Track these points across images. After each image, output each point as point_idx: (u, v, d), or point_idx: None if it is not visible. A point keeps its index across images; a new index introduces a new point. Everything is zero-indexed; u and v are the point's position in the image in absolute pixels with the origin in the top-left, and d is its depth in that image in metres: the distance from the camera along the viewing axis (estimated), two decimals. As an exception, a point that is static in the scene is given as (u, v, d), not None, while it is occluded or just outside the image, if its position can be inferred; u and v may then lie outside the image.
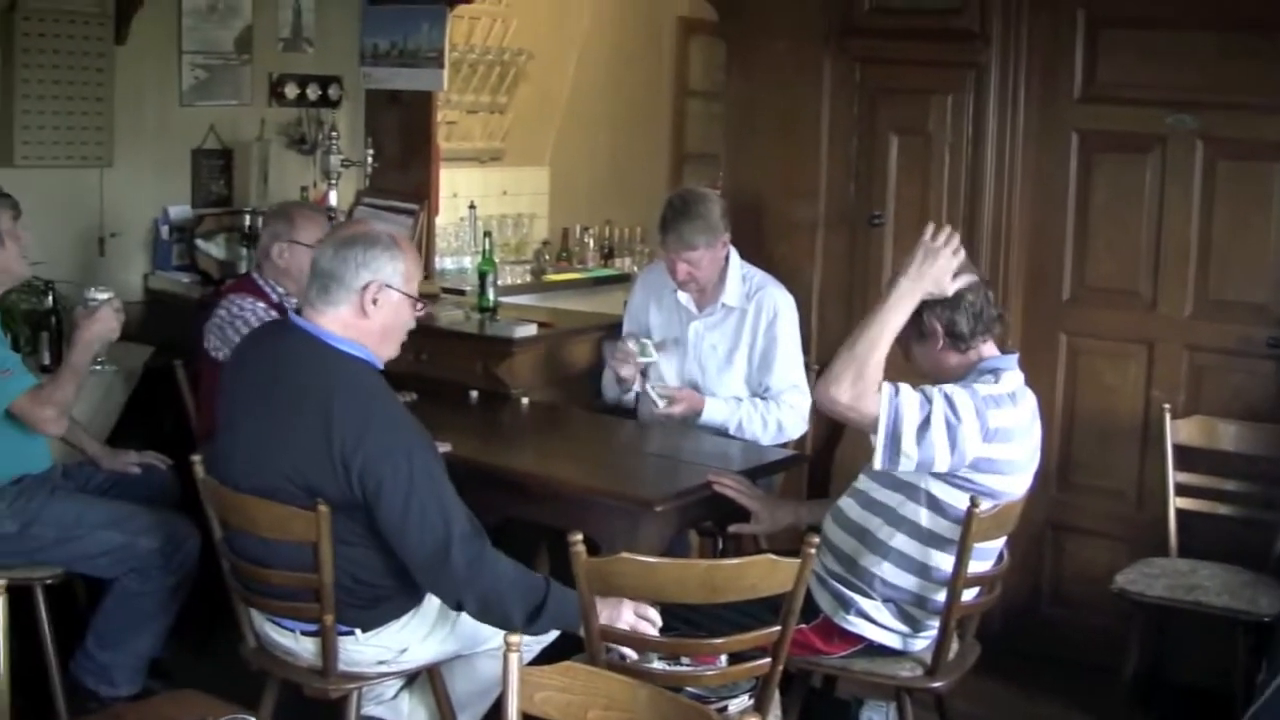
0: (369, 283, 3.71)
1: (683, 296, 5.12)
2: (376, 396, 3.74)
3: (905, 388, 3.71)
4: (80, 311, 4.63)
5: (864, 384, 3.70)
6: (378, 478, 3.59)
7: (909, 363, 3.97)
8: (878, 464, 3.72)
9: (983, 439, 3.70)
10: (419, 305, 3.88)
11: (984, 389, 3.75)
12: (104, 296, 4.64)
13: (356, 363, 3.74)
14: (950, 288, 3.80)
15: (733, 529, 4.38)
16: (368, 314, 3.73)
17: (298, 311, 3.87)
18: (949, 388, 3.73)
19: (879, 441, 3.69)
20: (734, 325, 5.08)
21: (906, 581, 3.90)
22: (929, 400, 3.69)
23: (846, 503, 4.02)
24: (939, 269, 3.79)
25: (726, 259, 5.08)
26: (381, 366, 3.85)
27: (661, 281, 5.20)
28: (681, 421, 4.97)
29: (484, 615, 3.71)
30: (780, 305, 5.08)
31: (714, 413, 4.93)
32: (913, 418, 3.67)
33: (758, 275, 5.15)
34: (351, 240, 3.75)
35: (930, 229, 3.82)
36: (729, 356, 5.08)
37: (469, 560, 3.64)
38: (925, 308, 3.83)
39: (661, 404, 4.94)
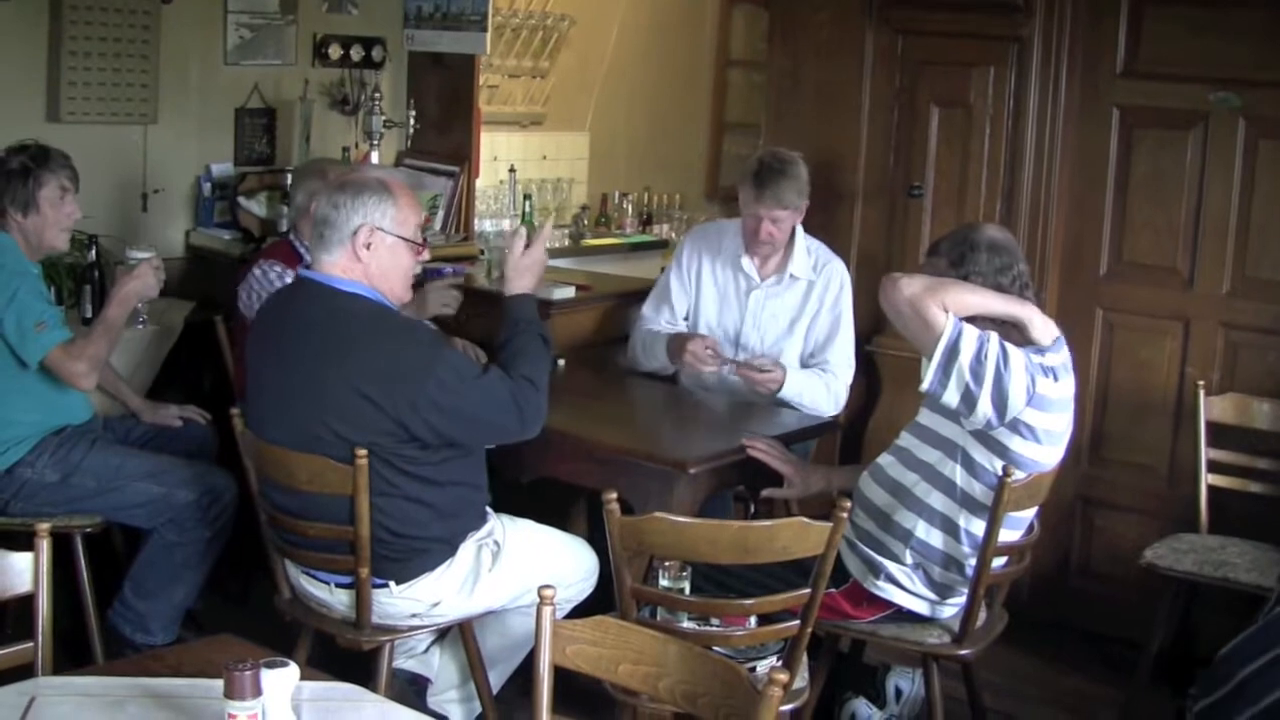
0: (359, 227, 3.77)
1: (745, 262, 5.09)
2: (391, 328, 3.82)
3: (963, 340, 3.71)
4: (121, 270, 4.67)
5: (934, 295, 3.72)
6: (435, 403, 3.68)
7: None
8: (926, 384, 3.73)
9: (1026, 400, 3.71)
10: (420, 249, 3.92)
11: (1036, 358, 3.76)
12: (144, 255, 4.68)
13: (365, 302, 3.80)
14: (1044, 339, 3.83)
15: (765, 493, 4.40)
16: (361, 258, 3.79)
17: (308, 266, 3.94)
18: (1006, 343, 3.75)
19: (935, 358, 3.70)
20: (800, 296, 5.07)
21: (938, 540, 3.92)
22: (987, 338, 3.71)
23: (887, 459, 4.04)
24: (1043, 322, 3.84)
25: (793, 228, 5.08)
26: (396, 308, 3.91)
27: (717, 245, 5.18)
28: (767, 395, 4.93)
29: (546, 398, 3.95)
30: (845, 280, 5.10)
31: (792, 385, 4.90)
32: (970, 344, 3.69)
33: (820, 247, 5.15)
34: (342, 187, 3.82)
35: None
36: (790, 326, 5.07)
37: (526, 400, 3.85)
38: (975, 274, 3.83)
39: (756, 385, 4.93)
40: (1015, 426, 3.76)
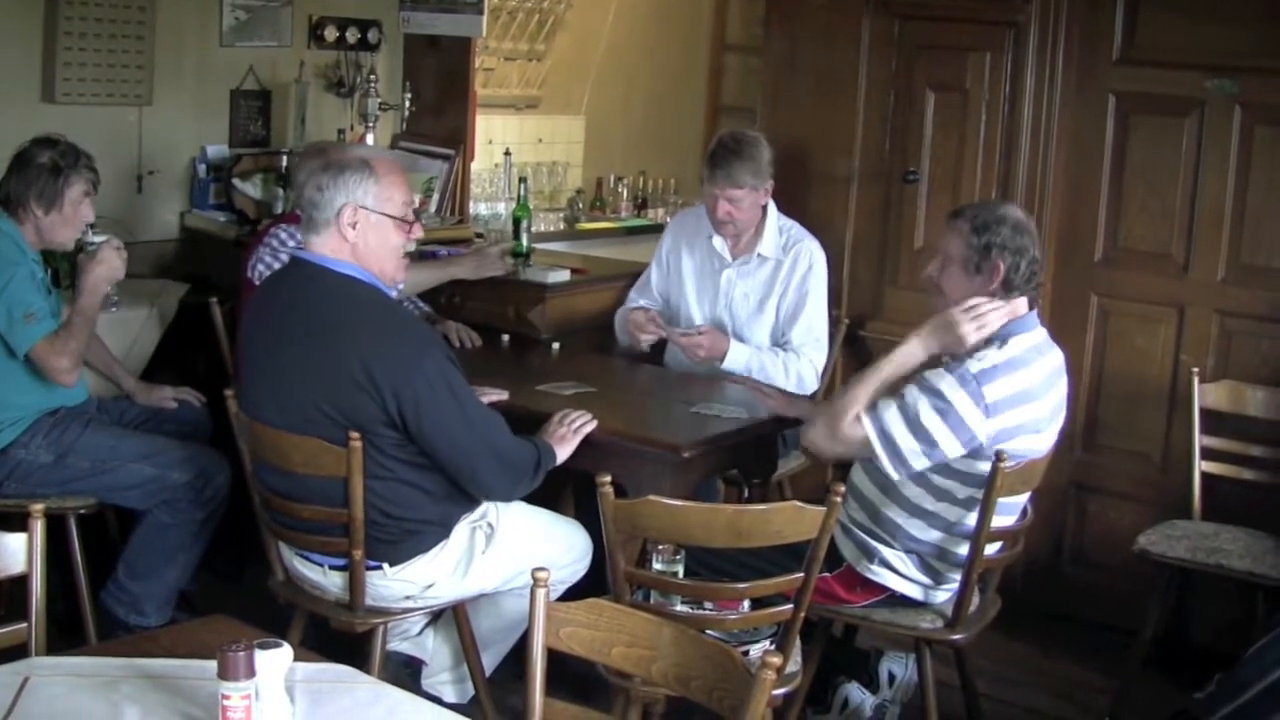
0: (343, 206, 3.75)
1: (717, 243, 5.13)
2: (384, 313, 3.81)
3: (880, 402, 3.79)
4: (82, 257, 4.65)
5: (841, 419, 3.82)
6: (413, 394, 3.67)
7: (936, 293, 3.97)
8: (894, 475, 3.81)
9: (985, 415, 3.72)
10: (409, 227, 3.88)
11: (975, 365, 3.76)
12: (100, 239, 4.65)
13: (359, 285, 3.79)
14: (964, 347, 3.85)
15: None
16: (348, 238, 3.77)
17: (301, 246, 3.94)
18: (927, 377, 3.79)
19: (881, 454, 3.78)
20: (768, 275, 5.09)
21: (929, 535, 3.94)
22: (904, 397, 3.77)
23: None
24: (960, 335, 3.84)
25: (765, 210, 5.10)
26: (391, 291, 3.91)
27: (695, 228, 5.21)
28: (705, 364, 4.98)
29: (512, 493, 3.97)
30: (815, 259, 5.10)
31: (737, 356, 4.95)
32: (897, 418, 3.75)
33: (795, 227, 5.16)
34: (325, 167, 3.79)
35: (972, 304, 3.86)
36: (760, 305, 5.09)
37: (505, 446, 3.86)
38: (995, 247, 3.82)
39: (676, 355, 5.00)
40: (997, 438, 3.77)
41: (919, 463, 3.78)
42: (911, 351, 3.88)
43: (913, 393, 3.78)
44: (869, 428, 3.78)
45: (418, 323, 3.99)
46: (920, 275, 4.15)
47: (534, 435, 4.06)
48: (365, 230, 3.77)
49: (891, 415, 3.76)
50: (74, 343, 4.47)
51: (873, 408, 3.80)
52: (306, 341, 3.74)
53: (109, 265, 4.58)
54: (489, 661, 4.32)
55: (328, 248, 3.78)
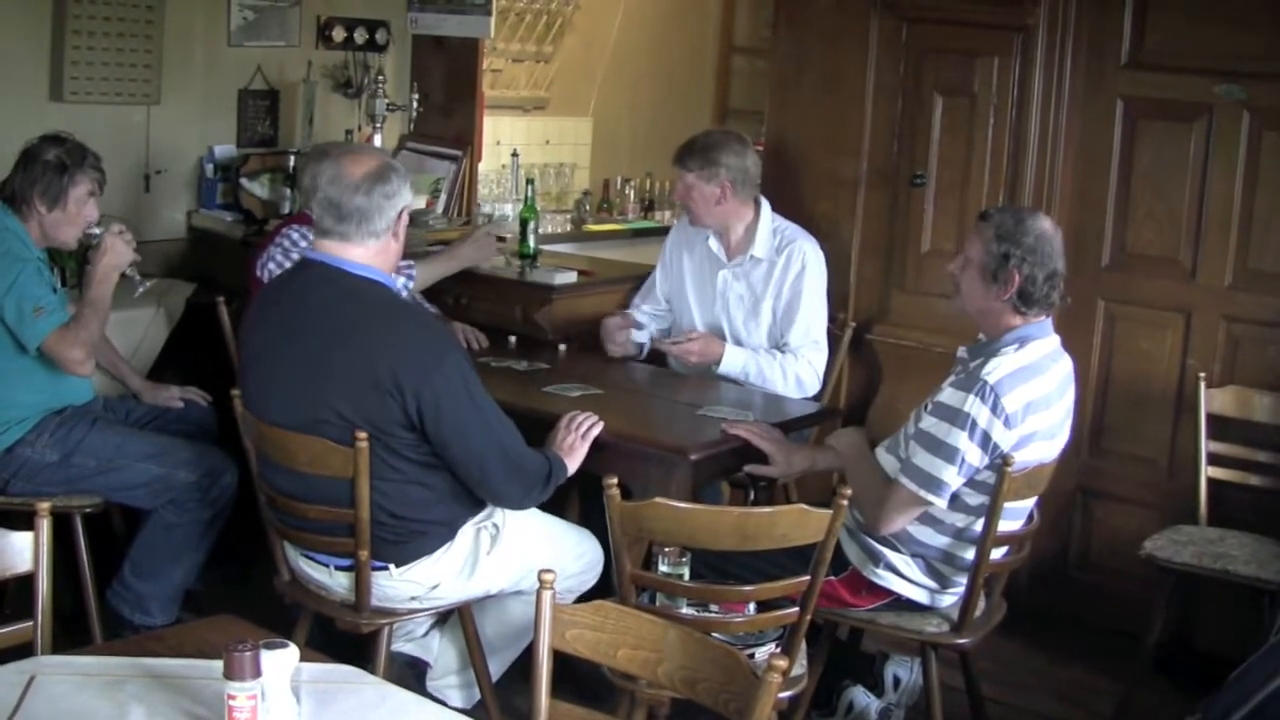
0: (400, 211, 3.79)
1: (713, 244, 5.15)
2: (404, 315, 3.83)
3: (915, 461, 3.84)
4: (92, 252, 4.65)
5: (883, 509, 3.90)
6: (433, 395, 3.67)
7: (955, 291, 4.00)
8: (943, 504, 3.84)
9: (1006, 427, 3.74)
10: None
11: (994, 372, 3.76)
12: (98, 230, 4.64)
13: (379, 287, 3.80)
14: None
15: (748, 469, 4.39)
16: (398, 238, 3.83)
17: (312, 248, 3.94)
18: (941, 401, 3.82)
19: (931, 497, 3.83)
20: (762, 276, 5.09)
21: (938, 541, 3.94)
22: (918, 429, 3.83)
23: (887, 460, 4.04)
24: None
25: (758, 212, 5.12)
26: (400, 289, 3.92)
27: (695, 230, 5.23)
28: (701, 368, 5.01)
29: (522, 501, 3.96)
30: (809, 259, 5.09)
31: (733, 359, 4.96)
32: (920, 453, 3.81)
33: (790, 228, 5.16)
34: (379, 176, 3.77)
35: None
36: (755, 307, 5.09)
37: (518, 453, 3.86)
38: (1014, 258, 3.83)
39: (676, 361, 5.05)
40: (1015, 447, 3.78)
41: (957, 481, 3.80)
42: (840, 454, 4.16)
43: (926, 421, 3.81)
44: (909, 486, 3.83)
45: (437, 323, 4.01)
46: (941, 271, 4.15)
47: (544, 447, 4.07)
48: (403, 229, 3.85)
49: (930, 468, 3.80)
50: (85, 333, 4.46)
51: (910, 478, 3.84)
52: (322, 343, 3.73)
53: (115, 252, 4.56)
54: (496, 668, 4.31)
55: (368, 252, 3.77)
